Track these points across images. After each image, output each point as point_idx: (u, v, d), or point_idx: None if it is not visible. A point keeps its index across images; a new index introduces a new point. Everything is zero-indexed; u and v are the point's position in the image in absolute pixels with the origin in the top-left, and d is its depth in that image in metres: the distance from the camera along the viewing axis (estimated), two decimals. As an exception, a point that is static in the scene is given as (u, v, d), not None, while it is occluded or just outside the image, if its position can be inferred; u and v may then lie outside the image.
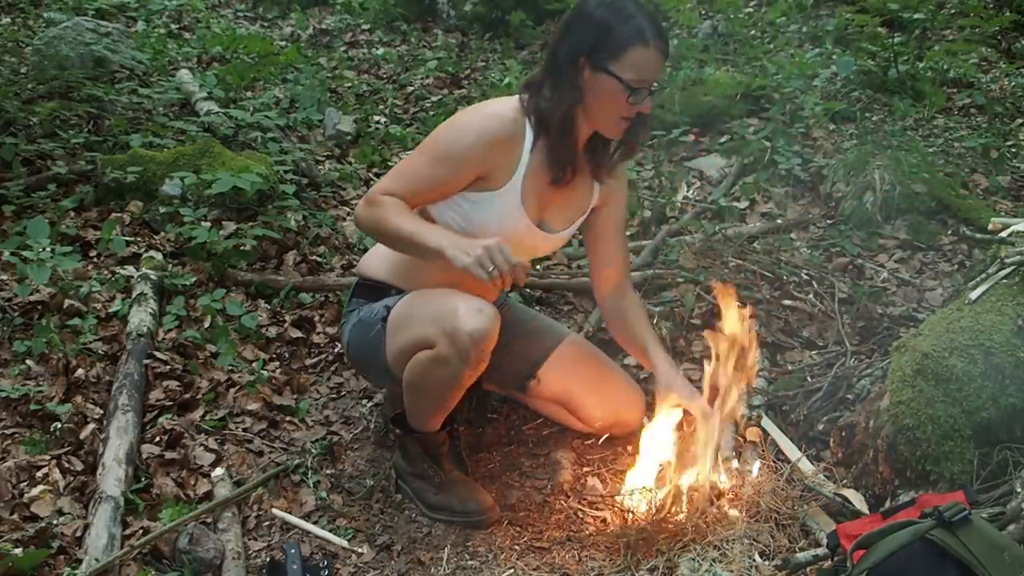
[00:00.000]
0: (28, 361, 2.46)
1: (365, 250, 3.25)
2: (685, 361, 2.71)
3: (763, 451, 2.23)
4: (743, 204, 3.61)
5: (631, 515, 2.03)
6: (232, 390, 2.52)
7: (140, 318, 2.61)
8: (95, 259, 2.99)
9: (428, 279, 2.07)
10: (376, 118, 4.52)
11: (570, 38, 1.95)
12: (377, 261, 2.23)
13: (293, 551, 1.95)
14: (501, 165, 2.01)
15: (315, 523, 2.13)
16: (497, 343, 1.96)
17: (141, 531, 2.00)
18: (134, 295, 2.74)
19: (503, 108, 2.03)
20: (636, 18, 1.89)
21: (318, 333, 2.83)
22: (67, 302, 2.67)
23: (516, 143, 2.01)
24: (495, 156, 2.00)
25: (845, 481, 2.16)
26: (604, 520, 2.08)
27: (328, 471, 2.31)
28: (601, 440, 2.36)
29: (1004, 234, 2.37)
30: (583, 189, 2.15)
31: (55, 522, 1.97)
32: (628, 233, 3.44)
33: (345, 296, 2.88)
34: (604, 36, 1.89)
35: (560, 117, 1.97)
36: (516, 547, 2.03)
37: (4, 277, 2.79)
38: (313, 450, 2.35)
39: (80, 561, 1.87)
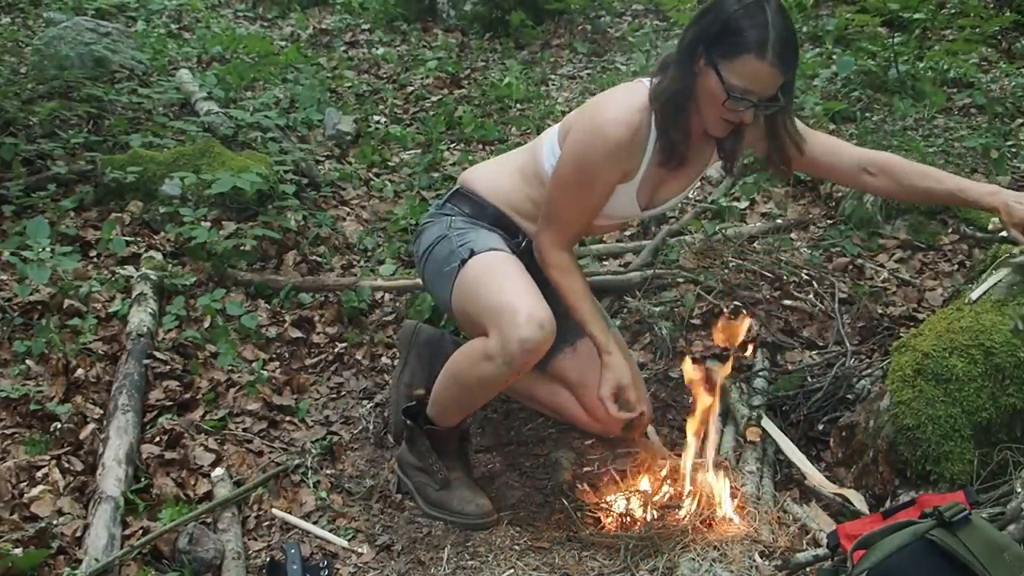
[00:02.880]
0: (28, 361, 2.46)
1: (366, 250, 3.27)
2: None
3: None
4: (743, 204, 3.61)
5: (629, 519, 2.03)
6: (232, 390, 2.52)
7: (140, 318, 2.61)
8: (95, 259, 2.99)
9: (527, 211, 2.19)
10: (376, 118, 4.52)
11: (698, 25, 1.93)
12: (488, 181, 2.24)
13: (293, 551, 1.95)
14: (632, 165, 2.04)
15: (315, 523, 2.13)
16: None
17: (141, 531, 2.00)
18: (134, 295, 2.74)
19: (631, 103, 2.00)
20: (764, 28, 1.83)
21: (318, 333, 2.83)
22: (67, 302, 2.67)
23: (643, 140, 2.01)
24: (627, 162, 2.03)
25: (845, 481, 2.16)
26: (602, 521, 2.09)
27: (328, 471, 2.31)
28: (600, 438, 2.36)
29: (1004, 234, 2.37)
30: (701, 158, 2.15)
31: (55, 522, 1.96)
32: (628, 233, 3.47)
33: (346, 296, 2.88)
34: (726, 33, 1.87)
35: (671, 104, 1.96)
36: (516, 547, 2.03)
37: (4, 277, 2.79)
38: (313, 450, 2.35)
39: (80, 561, 1.87)
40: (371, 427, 2.47)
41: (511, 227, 2.19)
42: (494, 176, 2.26)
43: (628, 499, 2.10)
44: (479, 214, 2.19)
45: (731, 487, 2.07)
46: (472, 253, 2.08)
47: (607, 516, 2.09)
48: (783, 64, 1.85)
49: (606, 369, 2.07)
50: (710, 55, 1.89)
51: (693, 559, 1.88)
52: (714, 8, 1.92)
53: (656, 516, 2.04)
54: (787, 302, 2.89)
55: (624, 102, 2.01)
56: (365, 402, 2.57)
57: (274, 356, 2.72)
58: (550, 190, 2.08)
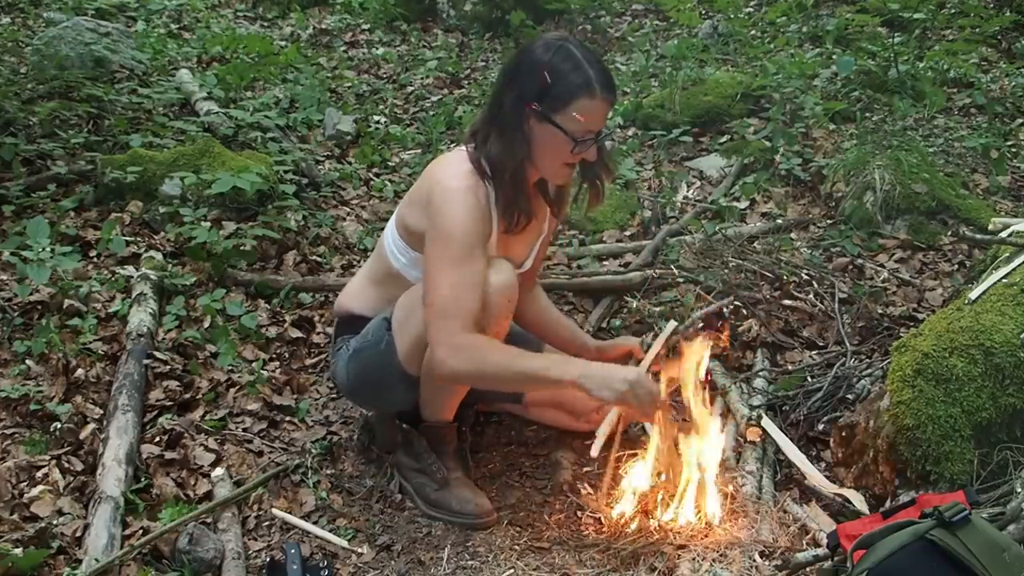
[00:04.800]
0: (28, 361, 2.46)
1: (366, 250, 3.27)
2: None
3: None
4: (743, 204, 3.61)
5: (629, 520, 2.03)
6: (232, 390, 2.52)
7: (140, 318, 2.61)
8: (95, 259, 2.99)
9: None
10: (376, 118, 4.52)
11: (515, 86, 1.93)
12: (354, 298, 2.26)
13: (293, 551, 1.95)
14: (487, 223, 1.99)
15: (315, 523, 2.13)
16: None
17: (141, 531, 2.00)
18: (134, 295, 2.74)
19: (463, 168, 1.97)
20: (582, 68, 1.87)
21: (318, 333, 2.83)
22: (67, 302, 2.67)
23: (486, 205, 1.98)
24: (485, 222, 1.97)
25: (845, 481, 2.16)
26: (603, 521, 2.08)
27: (328, 471, 2.31)
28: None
29: (1004, 234, 2.38)
30: (541, 215, 2.16)
31: (55, 522, 1.96)
32: (628, 233, 3.47)
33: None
34: (550, 86, 1.87)
35: (512, 171, 1.95)
36: (516, 547, 2.03)
37: (4, 277, 2.79)
38: (313, 450, 2.35)
39: (80, 561, 1.87)
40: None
41: None
42: (358, 291, 2.26)
43: (628, 501, 2.10)
44: (361, 328, 2.19)
45: (728, 489, 2.07)
46: (388, 319, 2.08)
47: (607, 517, 2.09)
48: (610, 92, 1.91)
49: (600, 382, 1.86)
50: (541, 112, 1.89)
51: (693, 559, 1.88)
52: (523, 67, 1.92)
53: (657, 519, 2.04)
54: (787, 302, 2.89)
55: (457, 172, 1.96)
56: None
57: (274, 356, 2.72)
58: (434, 292, 1.90)
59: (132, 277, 2.84)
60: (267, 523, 2.12)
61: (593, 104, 1.88)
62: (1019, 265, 2.16)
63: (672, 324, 2.28)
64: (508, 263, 2.01)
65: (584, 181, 2.11)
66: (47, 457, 2.16)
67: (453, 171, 1.98)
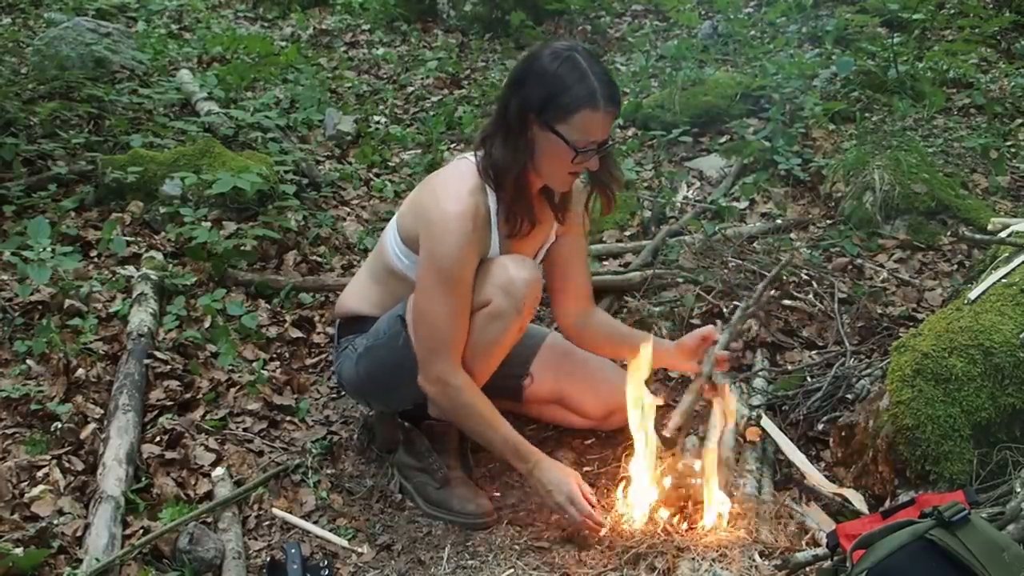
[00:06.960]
0: (28, 361, 2.46)
1: (366, 250, 3.27)
2: (685, 361, 2.71)
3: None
4: (743, 204, 3.62)
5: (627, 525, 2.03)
6: (232, 390, 2.52)
7: (140, 318, 2.62)
8: (95, 259, 3.00)
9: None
10: (376, 118, 4.52)
11: (520, 93, 1.94)
12: (357, 298, 2.27)
13: (293, 551, 1.95)
14: (484, 246, 2.03)
15: (315, 523, 2.13)
16: None
17: (141, 531, 2.00)
18: (134, 295, 2.74)
19: (462, 189, 1.99)
20: (587, 79, 1.88)
21: (318, 333, 2.84)
22: (67, 302, 2.67)
23: (485, 219, 2.01)
24: (480, 245, 2.01)
25: (845, 481, 2.17)
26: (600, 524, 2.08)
27: (328, 471, 2.31)
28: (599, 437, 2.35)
29: (1003, 234, 2.38)
30: (546, 220, 2.17)
31: (55, 522, 1.96)
32: (628, 233, 3.47)
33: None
34: (554, 95, 1.89)
35: (514, 177, 1.98)
36: (516, 547, 2.04)
37: (5, 277, 2.79)
38: (313, 450, 2.36)
39: (80, 561, 1.87)
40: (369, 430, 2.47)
41: None
42: (361, 291, 2.27)
43: (627, 502, 2.10)
44: (366, 327, 2.20)
45: (727, 490, 2.06)
46: (401, 317, 2.09)
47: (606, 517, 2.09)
48: (614, 104, 1.92)
49: (541, 488, 2.02)
50: (544, 120, 1.91)
51: (693, 559, 1.88)
52: (530, 74, 1.94)
53: (656, 520, 2.04)
54: (787, 302, 2.89)
55: (455, 191, 1.99)
56: (365, 402, 2.57)
57: (274, 356, 2.72)
58: (423, 318, 2.01)
59: (133, 277, 2.84)
60: (267, 523, 2.13)
61: (596, 116, 1.89)
62: (1019, 265, 2.16)
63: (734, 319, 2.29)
64: (531, 260, 2.07)
65: (593, 189, 2.14)
66: (48, 457, 2.16)
67: (454, 190, 2.00)
